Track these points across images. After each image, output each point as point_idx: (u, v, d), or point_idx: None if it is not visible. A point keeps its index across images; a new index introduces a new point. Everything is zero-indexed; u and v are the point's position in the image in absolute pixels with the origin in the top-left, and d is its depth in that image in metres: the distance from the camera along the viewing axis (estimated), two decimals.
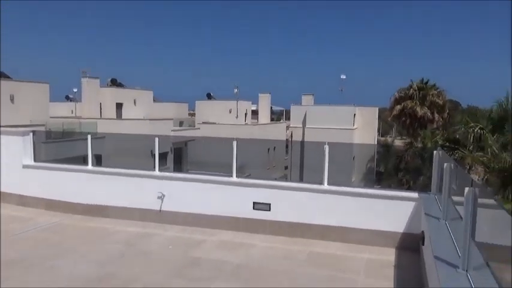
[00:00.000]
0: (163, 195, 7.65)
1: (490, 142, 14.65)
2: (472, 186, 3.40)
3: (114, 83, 36.37)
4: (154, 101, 37.50)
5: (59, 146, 19.14)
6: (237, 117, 35.33)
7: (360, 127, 33.98)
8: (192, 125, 33.30)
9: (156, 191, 7.67)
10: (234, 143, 7.34)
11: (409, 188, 20.83)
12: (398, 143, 36.84)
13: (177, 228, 7.39)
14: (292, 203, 7.09)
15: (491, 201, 3.34)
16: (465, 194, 3.41)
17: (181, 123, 32.68)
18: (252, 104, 39.59)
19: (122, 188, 8.08)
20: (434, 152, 6.39)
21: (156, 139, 7.89)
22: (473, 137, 15.74)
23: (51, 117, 25.26)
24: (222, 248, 6.58)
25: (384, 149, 33.69)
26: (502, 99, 15.60)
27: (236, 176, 7.48)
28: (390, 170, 30.40)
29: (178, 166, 25.57)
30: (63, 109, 36.99)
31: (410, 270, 5.58)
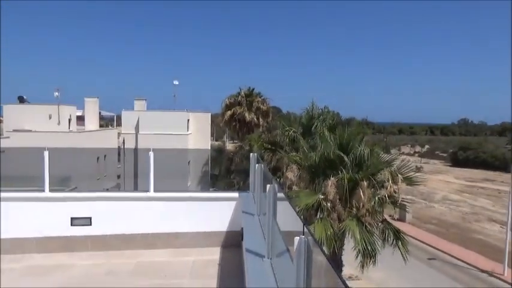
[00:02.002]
0: None
1: (301, 143, 16.95)
2: (272, 183, 3.87)
3: None
4: None
5: None
6: (58, 123, 31.45)
7: (194, 132, 34.76)
8: None
9: None
10: (46, 153, 6.55)
11: (239, 189, 22.39)
12: (231, 146, 39.32)
13: None
14: (116, 214, 6.72)
15: (282, 195, 3.88)
16: (267, 190, 3.86)
17: None
18: (78, 109, 35.86)
19: None
20: (251, 154, 7.03)
21: None
22: (289, 139, 17.93)
23: None
24: (32, 275, 5.74)
25: (217, 153, 35.36)
26: (308, 107, 18.28)
27: (51, 190, 6.66)
28: (223, 172, 32.15)
29: None
30: None
31: (233, 266, 5.98)
